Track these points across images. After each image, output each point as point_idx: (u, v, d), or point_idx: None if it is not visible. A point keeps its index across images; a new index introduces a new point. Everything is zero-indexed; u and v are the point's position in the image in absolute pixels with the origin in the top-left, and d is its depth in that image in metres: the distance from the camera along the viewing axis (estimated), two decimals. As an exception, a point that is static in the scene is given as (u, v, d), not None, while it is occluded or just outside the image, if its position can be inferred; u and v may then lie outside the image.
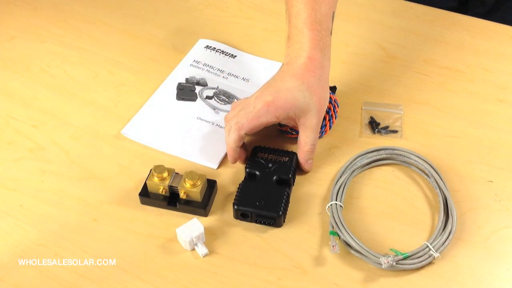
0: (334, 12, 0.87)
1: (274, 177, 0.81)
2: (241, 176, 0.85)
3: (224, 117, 0.86)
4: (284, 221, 0.80)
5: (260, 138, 0.90)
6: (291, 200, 0.82)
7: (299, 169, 0.85)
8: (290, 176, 0.82)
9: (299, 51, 0.83)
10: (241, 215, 0.79)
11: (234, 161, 0.85)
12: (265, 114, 0.81)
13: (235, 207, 0.79)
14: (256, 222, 0.79)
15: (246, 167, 0.83)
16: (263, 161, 0.83)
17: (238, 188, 0.81)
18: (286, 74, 0.83)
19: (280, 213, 0.78)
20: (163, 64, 1.03)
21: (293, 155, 0.84)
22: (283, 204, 0.79)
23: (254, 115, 0.81)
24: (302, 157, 0.84)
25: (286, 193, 0.80)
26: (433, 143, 0.90)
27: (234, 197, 0.82)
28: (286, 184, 0.82)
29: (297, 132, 0.88)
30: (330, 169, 0.87)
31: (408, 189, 0.84)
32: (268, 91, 0.82)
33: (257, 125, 0.82)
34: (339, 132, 0.92)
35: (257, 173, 0.82)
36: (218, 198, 0.83)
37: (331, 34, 0.86)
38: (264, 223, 0.79)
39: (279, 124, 0.90)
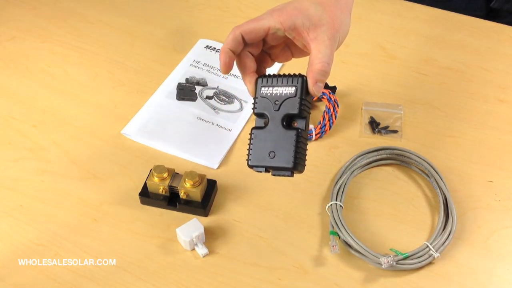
0: None
1: (283, 116, 0.70)
2: (241, 178, 0.85)
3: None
4: (304, 167, 0.70)
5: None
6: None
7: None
8: (299, 110, 0.70)
9: None
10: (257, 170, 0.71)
11: (225, 67, 0.72)
12: (267, 17, 0.71)
13: (249, 165, 0.71)
14: (273, 175, 0.70)
15: (253, 110, 0.72)
16: (268, 98, 0.71)
17: (249, 139, 0.72)
18: None
19: (293, 163, 0.68)
20: (163, 64, 1.03)
21: (301, 80, 0.71)
22: (295, 151, 0.69)
23: (256, 18, 0.71)
24: (311, 76, 0.70)
25: (297, 136, 0.69)
26: (433, 143, 0.90)
27: (235, 196, 0.82)
28: (298, 118, 0.71)
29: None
30: (330, 169, 0.87)
31: (408, 189, 0.84)
32: (279, 5, 0.73)
33: (257, 26, 0.71)
34: (339, 132, 0.92)
35: (265, 113, 0.71)
36: (218, 198, 0.83)
37: None
38: (283, 175, 0.70)
39: None
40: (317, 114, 0.94)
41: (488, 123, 0.93)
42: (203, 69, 1.02)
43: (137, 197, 0.82)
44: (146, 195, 0.82)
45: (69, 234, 0.80)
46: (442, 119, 0.94)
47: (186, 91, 0.98)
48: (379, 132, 0.91)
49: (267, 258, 0.77)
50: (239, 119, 0.94)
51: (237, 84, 1.00)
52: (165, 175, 0.81)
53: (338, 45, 0.74)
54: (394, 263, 0.74)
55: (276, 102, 0.71)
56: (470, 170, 0.86)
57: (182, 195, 0.81)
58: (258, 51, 0.74)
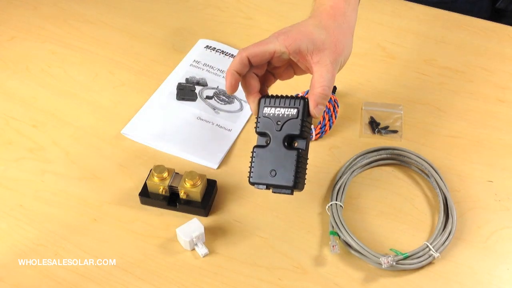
0: None
1: (284, 136, 0.73)
2: (241, 178, 0.85)
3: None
4: (304, 185, 0.73)
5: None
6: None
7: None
8: (300, 131, 0.73)
9: (322, 1, 0.78)
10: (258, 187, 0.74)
11: (231, 88, 0.74)
12: (273, 40, 0.73)
13: (250, 182, 0.73)
14: (273, 192, 0.73)
15: (255, 128, 0.75)
16: (270, 119, 0.74)
17: (251, 157, 0.74)
18: (306, 19, 0.77)
19: (293, 183, 0.71)
20: (163, 64, 1.03)
21: (303, 102, 0.74)
22: (295, 171, 0.72)
23: (262, 41, 0.74)
24: (312, 99, 0.73)
25: (297, 156, 0.72)
26: (433, 143, 0.90)
27: (235, 196, 0.82)
28: (299, 138, 0.74)
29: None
30: (330, 169, 0.87)
31: (408, 189, 0.84)
32: (284, 28, 0.75)
33: (263, 50, 0.73)
34: (339, 132, 0.92)
35: (267, 132, 0.74)
36: (218, 198, 0.83)
37: None
38: (283, 192, 0.73)
39: None
40: (317, 114, 0.94)
41: (488, 123, 0.93)
42: (203, 69, 1.02)
43: (137, 197, 0.82)
44: (146, 195, 0.82)
45: (69, 234, 0.80)
46: (442, 119, 0.94)
47: (186, 91, 0.98)
48: (379, 132, 0.91)
49: (267, 258, 0.77)
50: (239, 119, 0.94)
51: (237, 84, 1.00)
52: (165, 175, 0.81)
53: (339, 68, 0.76)
54: (394, 263, 0.74)
55: (278, 123, 0.73)
56: (470, 170, 0.86)
57: (182, 195, 0.81)
58: (263, 72, 0.76)
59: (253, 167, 0.73)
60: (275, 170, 0.72)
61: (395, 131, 0.91)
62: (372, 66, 1.03)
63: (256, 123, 0.74)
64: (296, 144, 0.74)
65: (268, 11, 1.14)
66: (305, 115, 0.73)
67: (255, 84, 0.75)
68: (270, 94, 0.75)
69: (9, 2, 1.16)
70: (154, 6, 1.16)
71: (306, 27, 0.74)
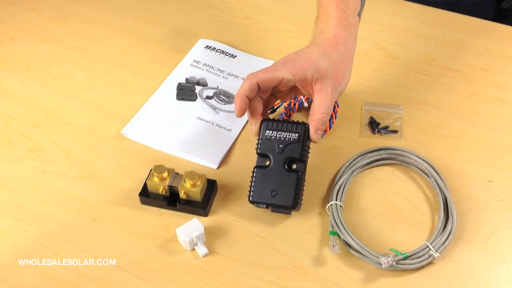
0: None
1: (285, 158, 0.79)
2: (241, 178, 0.85)
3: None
4: (301, 206, 0.80)
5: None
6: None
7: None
8: (300, 155, 0.79)
9: (324, 28, 0.83)
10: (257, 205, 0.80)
11: (240, 112, 0.78)
12: (281, 68, 0.78)
13: (250, 200, 0.79)
14: (272, 211, 0.80)
15: (256, 149, 0.80)
16: (272, 141, 0.79)
17: (252, 177, 0.79)
18: (309, 46, 0.82)
19: (292, 203, 0.77)
20: (163, 64, 1.03)
21: (304, 128, 0.80)
22: (295, 192, 0.78)
23: (270, 67, 0.79)
24: (313, 125, 0.79)
25: (297, 178, 0.78)
26: (433, 143, 0.90)
27: (235, 196, 0.82)
28: (298, 161, 0.79)
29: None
30: (330, 169, 0.86)
31: (408, 189, 0.84)
32: (289, 55, 0.81)
33: (272, 77, 0.78)
34: (339, 132, 0.92)
35: (268, 154, 0.79)
36: (218, 198, 0.83)
37: (359, 15, 0.87)
38: (281, 212, 0.80)
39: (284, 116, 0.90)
40: (317, 114, 0.94)
41: (488, 123, 0.93)
42: (203, 69, 1.02)
43: (137, 197, 0.82)
44: (146, 195, 0.82)
45: (69, 234, 0.80)
46: (442, 119, 0.94)
47: (186, 91, 0.98)
48: (379, 132, 0.91)
49: (267, 258, 0.77)
50: (239, 119, 0.94)
51: (237, 84, 0.99)
52: (165, 175, 0.81)
53: (339, 95, 0.83)
54: (394, 263, 0.74)
55: (279, 146, 0.79)
56: (470, 170, 0.86)
57: (182, 195, 0.81)
58: (267, 95, 0.82)
59: (253, 186, 0.79)
60: (275, 191, 0.78)
61: (395, 131, 0.91)
62: (372, 66, 1.03)
63: (258, 144, 0.80)
64: (295, 167, 0.79)
65: (268, 11, 1.13)
66: (305, 139, 0.79)
67: (260, 107, 0.81)
68: (272, 118, 0.81)
69: (9, 2, 1.16)
70: (154, 6, 1.16)
71: (311, 56, 0.80)
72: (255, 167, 0.80)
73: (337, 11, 0.84)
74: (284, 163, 0.79)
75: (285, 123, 0.80)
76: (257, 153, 0.81)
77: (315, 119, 0.79)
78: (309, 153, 0.81)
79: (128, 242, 0.79)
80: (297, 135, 0.79)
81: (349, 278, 0.75)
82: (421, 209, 0.82)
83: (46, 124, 0.94)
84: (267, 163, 0.79)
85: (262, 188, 0.79)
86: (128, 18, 1.13)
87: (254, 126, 0.81)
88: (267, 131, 0.80)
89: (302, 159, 0.79)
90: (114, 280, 0.75)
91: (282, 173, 0.78)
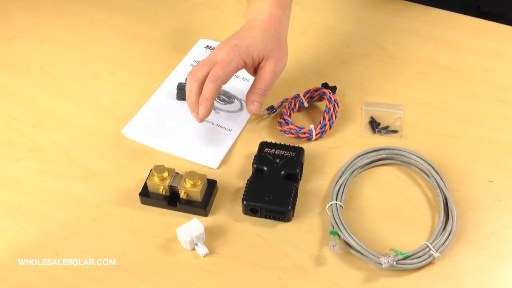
0: None
1: (282, 172, 0.82)
2: (242, 178, 0.85)
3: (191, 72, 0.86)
4: (293, 216, 0.80)
5: (262, 139, 0.90)
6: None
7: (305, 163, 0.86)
8: (297, 171, 0.82)
9: (261, 9, 0.88)
10: (250, 210, 0.80)
11: (208, 114, 0.83)
12: (234, 58, 0.82)
13: (244, 202, 0.79)
14: (265, 217, 0.80)
15: (253, 163, 0.83)
16: (270, 157, 0.83)
17: (247, 183, 0.81)
18: (248, 27, 0.87)
19: (289, 207, 0.78)
20: (163, 64, 1.03)
21: (300, 150, 0.85)
22: (291, 199, 0.79)
23: (224, 61, 0.82)
24: (249, 97, 0.85)
25: (294, 187, 0.80)
26: (433, 143, 0.90)
27: (235, 196, 0.82)
28: (293, 179, 0.82)
29: (297, 132, 0.88)
30: (330, 169, 0.87)
31: (408, 189, 0.84)
32: (232, 38, 0.85)
33: (231, 71, 0.83)
34: (339, 132, 0.92)
35: (265, 168, 0.83)
36: (218, 198, 0.83)
37: None
38: (273, 218, 0.80)
39: (279, 123, 0.90)
40: (317, 114, 0.94)
41: (488, 123, 0.93)
42: (203, 69, 1.02)
43: (137, 197, 0.82)
44: (146, 195, 0.82)
45: (69, 234, 0.80)
46: (442, 119, 0.94)
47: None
48: (379, 132, 0.91)
49: (267, 258, 0.77)
50: (239, 119, 0.94)
51: (237, 84, 1.00)
52: (165, 175, 0.81)
53: (279, 73, 0.87)
54: (394, 263, 0.74)
55: (276, 161, 0.83)
56: (470, 170, 0.86)
57: (182, 195, 0.81)
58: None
59: (249, 188, 0.80)
60: (271, 195, 0.79)
61: (395, 131, 0.91)
62: (372, 66, 1.03)
63: (255, 159, 0.84)
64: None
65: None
66: (302, 159, 0.84)
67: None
68: (270, 142, 0.86)
69: (9, 2, 1.16)
70: (154, 6, 1.16)
71: (255, 39, 0.84)
72: (252, 174, 0.83)
73: None
74: (281, 173, 0.82)
75: (283, 145, 0.85)
76: (253, 166, 0.83)
77: (254, 92, 0.84)
78: (302, 173, 0.85)
79: (128, 242, 0.79)
80: (294, 153, 0.84)
81: (349, 278, 0.75)
82: (421, 209, 0.82)
83: (46, 124, 0.94)
84: (264, 172, 0.83)
85: (257, 191, 0.80)
86: (128, 18, 1.13)
87: (205, 110, 0.82)
88: (266, 148, 0.85)
89: (297, 176, 0.82)
90: (114, 280, 0.75)
91: (279, 180, 0.81)
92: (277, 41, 0.86)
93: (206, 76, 0.83)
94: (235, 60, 0.82)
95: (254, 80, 0.86)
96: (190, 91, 0.84)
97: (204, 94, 0.82)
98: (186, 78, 1.00)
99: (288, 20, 0.90)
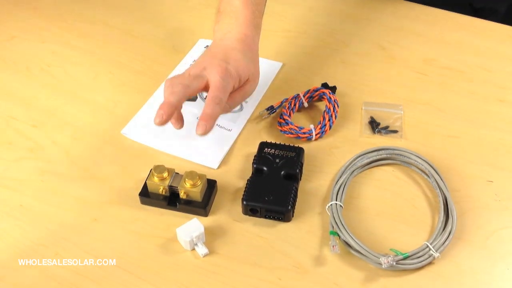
0: None
1: (282, 172, 0.82)
2: (242, 178, 0.85)
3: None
4: (292, 216, 0.80)
5: (262, 139, 0.90)
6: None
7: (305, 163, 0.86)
8: (297, 171, 0.82)
9: (234, 27, 0.87)
10: (250, 210, 0.80)
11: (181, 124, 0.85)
12: (228, 84, 0.81)
13: (244, 202, 0.79)
14: (265, 217, 0.80)
15: (253, 163, 0.83)
16: (270, 157, 0.83)
17: (247, 183, 0.81)
18: (229, 48, 0.85)
19: (289, 207, 0.78)
20: (163, 64, 1.03)
21: (300, 150, 0.85)
22: (291, 199, 0.79)
23: (223, 86, 0.81)
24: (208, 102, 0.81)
25: (294, 187, 0.80)
26: (433, 143, 0.90)
27: (235, 196, 0.82)
28: (293, 179, 0.82)
29: (297, 132, 0.88)
30: (330, 169, 0.87)
31: (408, 189, 0.84)
32: (216, 59, 0.83)
33: (227, 95, 0.82)
34: (339, 132, 0.92)
35: (265, 168, 0.83)
36: (218, 198, 0.83)
37: (262, 16, 0.93)
38: (273, 218, 0.80)
39: (279, 123, 0.91)
40: (317, 114, 0.94)
41: (488, 123, 0.93)
42: (203, 69, 1.02)
43: (137, 197, 0.82)
44: (146, 195, 0.82)
45: (69, 234, 0.80)
46: (442, 119, 0.94)
47: (186, 91, 0.98)
48: (379, 132, 0.91)
49: (267, 258, 0.77)
50: (239, 119, 0.94)
51: (237, 84, 1.00)
52: (165, 175, 0.81)
53: (252, 92, 0.88)
54: (394, 263, 0.74)
55: (276, 161, 0.83)
56: (470, 170, 0.86)
57: (182, 195, 0.81)
58: None
59: (249, 188, 0.80)
60: (271, 195, 0.79)
61: (395, 131, 0.91)
62: (372, 66, 1.03)
63: (255, 159, 0.84)
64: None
65: (268, 11, 1.13)
66: (302, 160, 0.84)
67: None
68: (270, 142, 0.86)
69: (9, 1, 1.17)
70: (154, 6, 1.16)
71: (240, 62, 0.83)
72: (251, 175, 0.82)
73: (248, 11, 0.88)
74: (280, 173, 0.82)
75: (282, 145, 0.85)
76: (253, 166, 0.83)
77: (223, 108, 0.82)
78: (302, 174, 0.85)
79: (128, 242, 0.79)
80: (294, 153, 0.84)
81: (349, 278, 0.75)
82: (421, 209, 0.82)
83: (46, 124, 0.94)
84: (264, 172, 0.83)
85: (257, 191, 0.80)
86: (128, 18, 1.13)
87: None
88: (266, 149, 0.85)
89: (297, 176, 0.82)
90: (114, 280, 0.75)
91: (279, 180, 0.81)
92: (255, 63, 0.87)
93: (197, 90, 0.82)
94: (229, 86, 0.82)
95: (230, 97, 0.83)
96: (177, 93, 0.79)
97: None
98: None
99: (258, 40, 0.90)
